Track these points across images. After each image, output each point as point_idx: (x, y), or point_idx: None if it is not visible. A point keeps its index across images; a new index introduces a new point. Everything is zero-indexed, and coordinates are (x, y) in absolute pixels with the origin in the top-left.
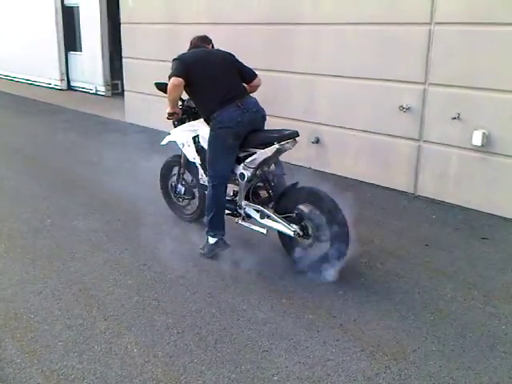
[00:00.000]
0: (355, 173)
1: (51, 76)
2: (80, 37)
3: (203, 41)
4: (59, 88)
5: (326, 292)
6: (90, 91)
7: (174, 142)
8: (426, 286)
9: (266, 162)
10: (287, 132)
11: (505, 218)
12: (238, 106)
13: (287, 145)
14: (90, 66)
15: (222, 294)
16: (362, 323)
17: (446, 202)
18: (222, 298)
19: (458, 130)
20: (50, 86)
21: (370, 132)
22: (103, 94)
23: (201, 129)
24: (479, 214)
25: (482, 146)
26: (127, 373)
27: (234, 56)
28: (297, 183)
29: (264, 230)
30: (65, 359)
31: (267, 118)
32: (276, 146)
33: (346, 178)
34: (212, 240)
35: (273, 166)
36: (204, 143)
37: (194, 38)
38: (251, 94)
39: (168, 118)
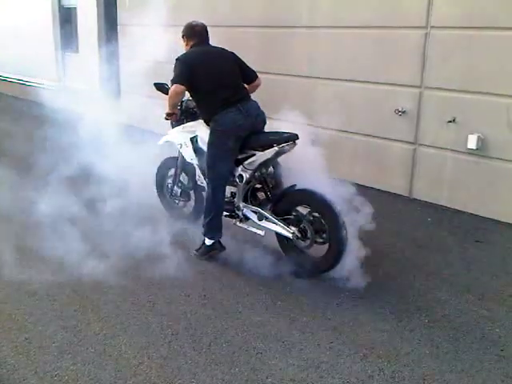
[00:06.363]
0: (351, 175)
1: (48, 77)
2: (77, 38)
3: (204, 34)
4: (56, 89)
5: (321, 294)
6: (87, 92)
7: (171, 142)
8: (421, 288)
9: (264, 163)
10: (287, 135)
11: (499, 222)
12: (239, 109)
13: (286, 147)
14: (86, 67)
15: (216, 295)
16: (356, 325)
17: (441, 205)
18: (217, 299)
19: (453, 133)
20: (47, 86)
21: (366, 135)
22: (99, 94)
23: (199, 130)
24: (474, 217)
25: (477, 149)
26: (121, 374)
27: (236, 56)
28: (295, 185)
29: (262, 232)
30: (59, 360)
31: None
32: (275, 148)
33: (342, 180)
34: (209, 242)
35: (271, 168)
36: (202, 144)
37: (193, 30)
38: (251, 95)
39: (166, 119)
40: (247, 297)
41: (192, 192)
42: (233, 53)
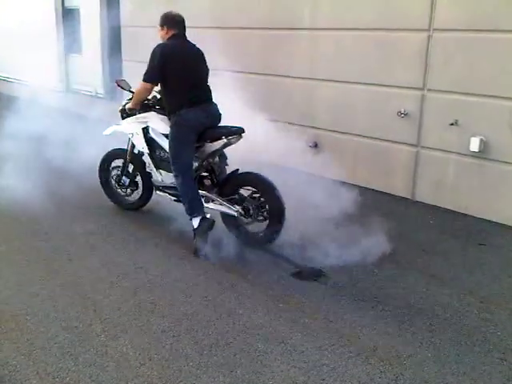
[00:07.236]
0: (353, 178)
1: (51, 78)
2: (80, 39)
3: (182, 25)
4: (58, 90)
5: (323, 297)
6: (90, 94)
7: (119, 132)
8: (423, 291)
9: (212, 154)
10: (234, 128)
11: (502, 224)
12: (203, 110)
13: (233, 139)
14: (89, 69)
15: (218, 297)
16: (357, 328)
17: (444, 207)
18: (219, 301)
19: (455, 136)
20: (50, 87)
21: (368, 137)
22: (102, 96)
23: (151, 121)
24: (476, 220)
25: (480, 152)
26: (122, 376)
27: (204, 55)
28: (238, 169)
29: (208, 215)
30: (60, 361)
31: (268, 122)
32: (224, 140)
33: (344, 182)
34: (196, 222)
35: (217, 158)
36: (154, 134)
37: (174, 20)
38: None
39: (122, 112)
40: (249, 299)
41: (139, 180)
42: (201, 50)
